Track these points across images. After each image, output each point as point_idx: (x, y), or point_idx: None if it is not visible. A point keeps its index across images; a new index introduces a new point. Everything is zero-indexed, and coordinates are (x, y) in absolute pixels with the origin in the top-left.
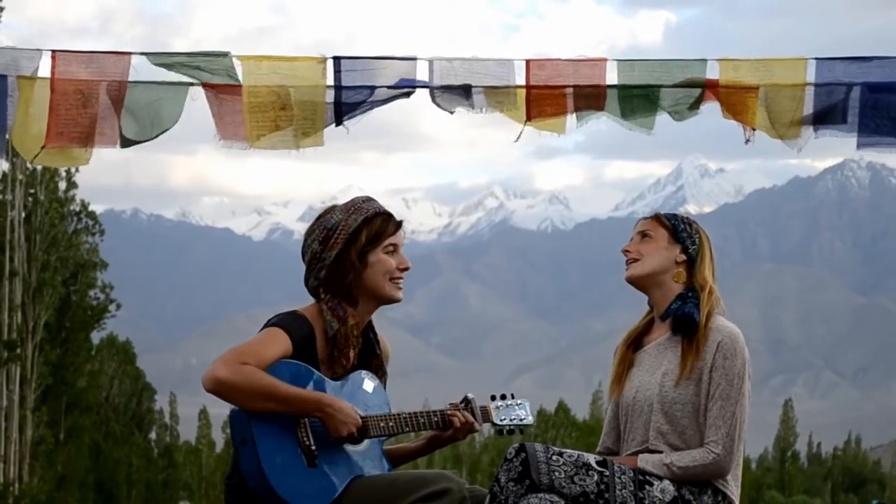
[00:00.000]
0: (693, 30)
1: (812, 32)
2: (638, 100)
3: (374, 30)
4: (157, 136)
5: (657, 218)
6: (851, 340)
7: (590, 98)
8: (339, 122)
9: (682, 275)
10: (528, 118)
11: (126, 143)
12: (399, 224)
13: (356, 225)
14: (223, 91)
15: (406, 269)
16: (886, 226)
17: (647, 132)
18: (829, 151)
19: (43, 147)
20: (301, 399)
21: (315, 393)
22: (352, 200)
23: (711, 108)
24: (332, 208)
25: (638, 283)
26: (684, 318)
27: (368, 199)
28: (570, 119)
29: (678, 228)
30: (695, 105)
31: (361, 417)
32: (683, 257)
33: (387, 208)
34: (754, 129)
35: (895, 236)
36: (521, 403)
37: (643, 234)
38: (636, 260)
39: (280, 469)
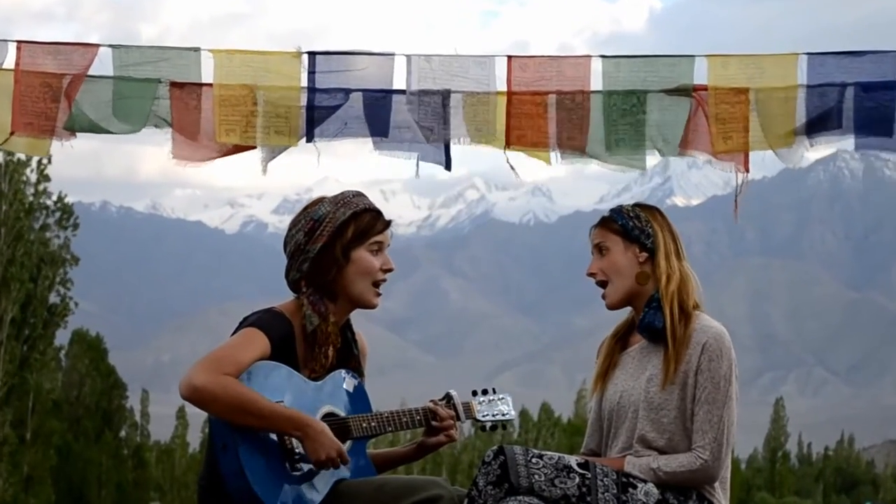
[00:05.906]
0: (678, 16)
1: (801, 19)
2: (623, 128)
3: (351, 17)
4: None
5: (606, 224)
6: (843, 336)
7: (573, 120)
8: (310, 138)
9: (647, 274)
10: (507, 144)
11: (71, 129)
12: (387, 224)
13: (344, 219)
14: (190, 90)
15: (389, 270)
16: (879, 218)
17: (641, 170)
18: None
19: (12, 134)
20: (280, 416)
21: (295, 412)
22: (342, 193)
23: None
24: (321, 200)
25: (620, 307)
26: (648, 329)
27: (359, 194)
28: (553, 155)
29: (628, 227)
30: (683, 144)
31: (342, 419)
32: (644, 254)
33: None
34: (747, 171)
35: (888, 229)
36: (503, 398)
37: (600, 249)
38: (605, 282)
39: (262, 474)
